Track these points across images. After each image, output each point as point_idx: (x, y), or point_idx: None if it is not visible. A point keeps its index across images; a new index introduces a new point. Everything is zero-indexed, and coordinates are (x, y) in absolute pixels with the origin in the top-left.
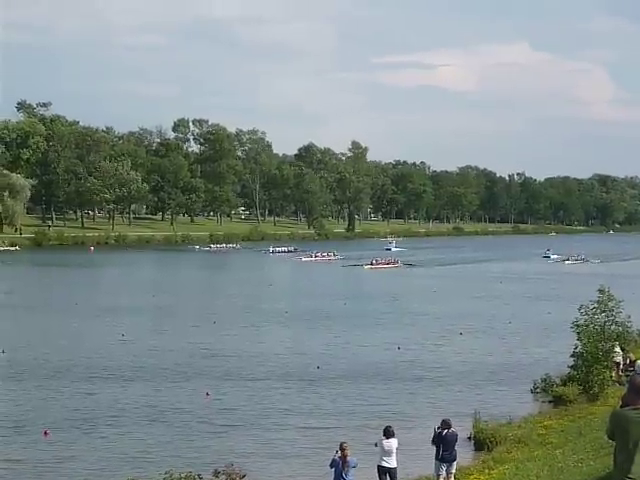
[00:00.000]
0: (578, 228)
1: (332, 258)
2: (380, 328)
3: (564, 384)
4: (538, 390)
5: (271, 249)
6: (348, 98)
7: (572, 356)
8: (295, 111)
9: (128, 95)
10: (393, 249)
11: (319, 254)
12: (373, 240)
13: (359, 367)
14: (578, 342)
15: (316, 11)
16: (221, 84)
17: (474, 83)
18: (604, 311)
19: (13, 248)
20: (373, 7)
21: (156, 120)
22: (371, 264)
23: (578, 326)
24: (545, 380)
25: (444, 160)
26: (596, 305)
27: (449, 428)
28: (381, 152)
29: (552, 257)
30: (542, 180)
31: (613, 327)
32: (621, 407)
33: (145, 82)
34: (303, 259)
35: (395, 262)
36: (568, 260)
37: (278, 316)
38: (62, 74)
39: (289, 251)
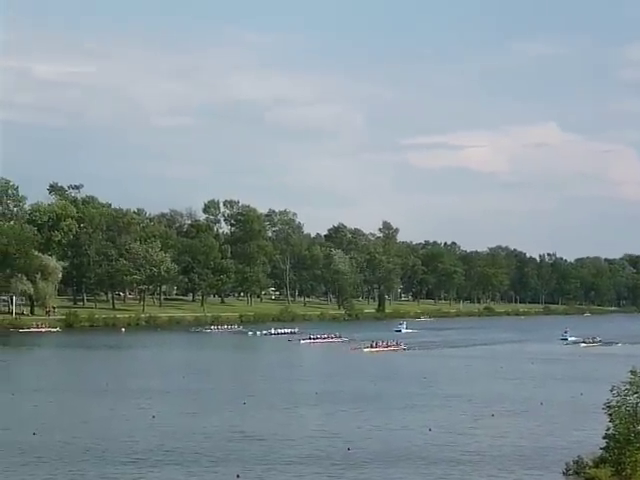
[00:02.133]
0: (609, 309)
1: (333, 340)
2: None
3: (596, 466)
4: (570, 472)
5: (272, 330)
6: (377, 179)
7: (604, 438)
8: (325, 192)
9: (158, 177)
10: (403, 330)
11: (319, 336)
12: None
13: (390, 449)
14: (610, 424)
15: (344, 93)
16: (251, 165)
17: (503, 164)
18: (636, 392)
19: (55, 329)
20: (401, 89)
21: (187, 202)
22: (370, 347)
23: (610, 407)
24: (577, 462)
25: (474, 241)
26: (628, 386)
27: None
28: (410, 232)
29: (569, 339)
30: (573, 260)
31: None
32: None
33: (176, 164)
34: (302, 342)
35: (397, 345)
36: (584, 343)
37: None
38: (94, 157)
39: (291, 332)
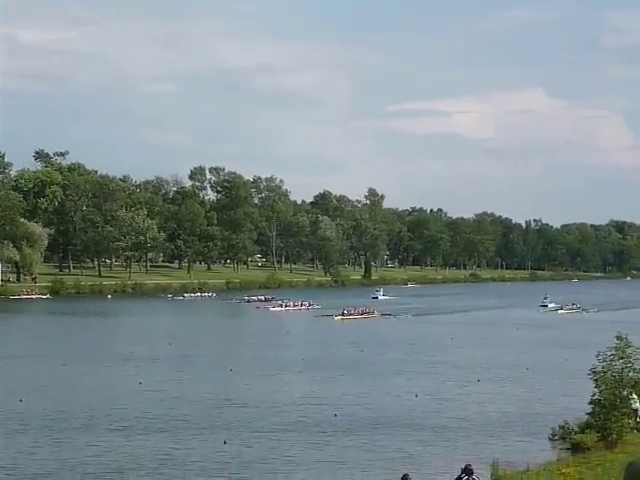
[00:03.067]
0: (595, 274)
1: (305, 308)
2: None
3: (582, 431)
4: (556, 437)
5: (246, 298)
6: (363, 146)
7: (590, 403)
8: (311, 159)
9: (143, 144)
10: (380, 297)
11: (290, 303)
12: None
13: (377, 415)
14: (596, 389)
15: (329, 60)
16: (236, 132)
17: (489, 130)
18: (622, 358)
19: (45, 296)
20: (387, 56)
21: (172, 169)
22: (342, 314)
23: (596, 373)
24: (563, 427)
25: (460, 207)
26: (614, 352)
27: (471, 474)
28: (397, 199)
29: (549, 305)
30: (558, 227)
31: (631, 374)
32: None
33: (160, 131)
34: (271, 309)
35: (371, 312)
36: (562, 309)
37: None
38: (79, 123)
39: (265, 300)
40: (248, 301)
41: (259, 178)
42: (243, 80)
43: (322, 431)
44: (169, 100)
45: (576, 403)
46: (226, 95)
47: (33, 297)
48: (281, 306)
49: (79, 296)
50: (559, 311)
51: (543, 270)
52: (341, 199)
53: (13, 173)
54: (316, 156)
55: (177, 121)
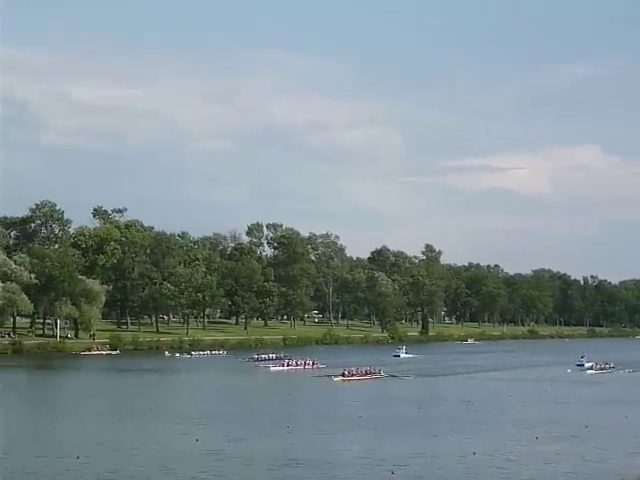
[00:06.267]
0: None
1: (309, 367)
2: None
3: None
4: None
5: (255, 356)
6: (419, 201)
7: None
8: (366, 215)
9: (200, 200)
10: (402, 355)
11: (293, 362)
12: (446, 344)
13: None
14: None
15: (382, 117)
16: (292, 188)
17: (545, 186)
18: None
19: (114, 352)
20: (439, 111)
21: (229, 225)
22: (342, 375)
23: None
24: None
25: (517, 263)
26: None
27: None
28: (453, 255)
29: (586, 365)
30: (617, 283)
31: None
32: None
33: (215, 187)
34: (272, 368)
35: (375, 372)
36: (591, 369)
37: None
38: (136, 180)
39: (276, 358)
40: (257, 359)
41: (315, 234)
42: (296, 136)
43: None
44: (224, 157)
45: (636, 461)
46: (280, 151)
47: (103, 353)
48: (282, 365)
49: (138, 352)
50: (588, 371)
51: (601, 326)
52: (398, 255)
53: (72, 230)
54: (372, 212)
55: (233, 177)
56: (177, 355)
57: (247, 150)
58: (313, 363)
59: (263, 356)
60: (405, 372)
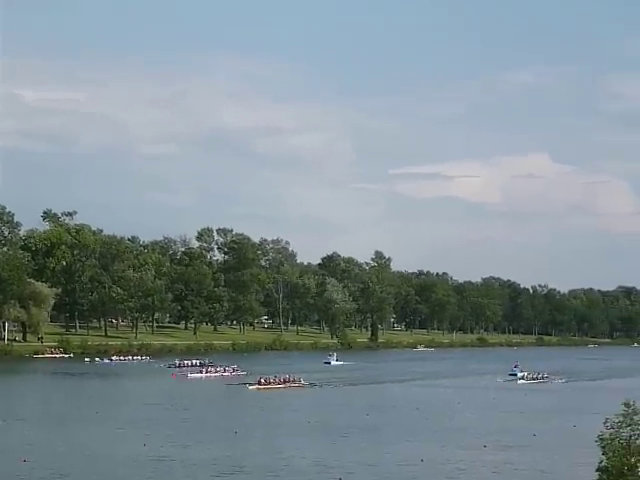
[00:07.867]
0: (603, 340)
1: (229, 374)
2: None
3: None
4: None
5: (176, 362)
6: (369, 208)
7: (597, 470)
8: (316, 221)
9: (149, 204)
10: (333, 363)
11: (213, 369)
12: (395, 350)
13: None
14: (603, 456)
15: (331, 123)
16: (241, 194)
17: (495, 194)
18: (629, 425)
19: (68, 355)
20: (388, 119)
21: (178, 229)
22: (258, 383)
23: (603, 440)
24: None
25: (466, 271)
26: (621, 419)
27: None
28: (403, 262)
29: (518, 374)
30: (566, 292)
31: (639, 441)
32: None
33: (164, 192)
34: (189, 375)
35: (295, 381)
36: (523, 379)
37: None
38: (87, 184)
39: (200, 364)
40: (178, 366)
41: (265, 240)
42: (245, 142)
43: None
44: (173, 161)
45: (583, 470)
46: (229, 156)
47: (57, 356)
48: (201, 372)
49: (86, 355)
50: (519, 381)
51: (550, 335)
52: (349, 261)
53: (22, 232)
54: (321, 218)
55: (181, 182)
56: (97, 360)
57: (196, 155)
58: (234, 370)
59: (186, 362)
60: (329, 380)
